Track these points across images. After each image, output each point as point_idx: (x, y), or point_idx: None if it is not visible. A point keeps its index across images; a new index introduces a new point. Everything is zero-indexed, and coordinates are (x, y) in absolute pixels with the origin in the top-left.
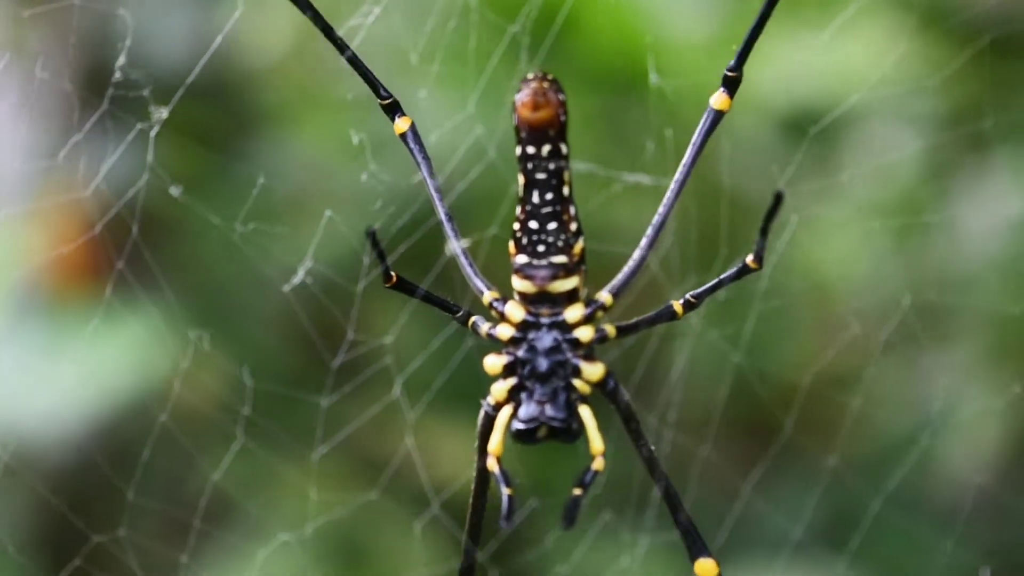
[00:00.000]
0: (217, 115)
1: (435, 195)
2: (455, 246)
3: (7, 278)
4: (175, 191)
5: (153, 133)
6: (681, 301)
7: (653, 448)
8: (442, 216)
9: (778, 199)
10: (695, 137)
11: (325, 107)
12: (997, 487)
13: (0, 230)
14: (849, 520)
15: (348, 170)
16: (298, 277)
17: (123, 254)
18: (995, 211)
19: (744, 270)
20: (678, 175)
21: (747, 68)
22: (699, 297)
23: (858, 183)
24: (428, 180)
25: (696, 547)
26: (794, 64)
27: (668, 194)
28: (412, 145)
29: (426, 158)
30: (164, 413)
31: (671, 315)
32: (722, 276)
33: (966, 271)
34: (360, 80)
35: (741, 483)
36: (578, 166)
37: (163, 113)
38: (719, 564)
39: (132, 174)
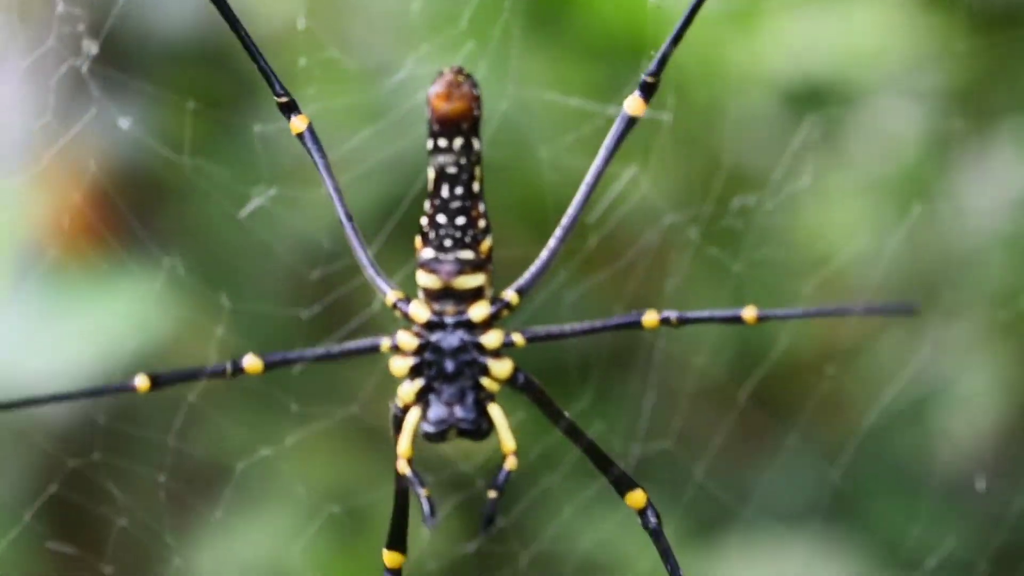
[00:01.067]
0: (222, 80)
1: (335, 195)
2: (355, 243)
3: (10, 240)
4: (123, 123)
5: (84, 68)
6: (663, 315)
7: (568, 414)
8: (342, 216)
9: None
10: (607, 140)
11: (333, 74)
12: (998, 460)
13: (1, 193)
14: (851, 493)
15: (355, 136)
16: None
17: (123, 217)
18: (1000, 186)
19: (737, 319)
20: (588, 177)
21: (754, 40)
22: (684, 320)
23: (863, 157)
24: (327, 180)
25: (622, 484)
26: (800, 38)
27: (577, 195)
28: (309, 145)
29: (323, 157)
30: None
31: (635, 324)
32: (715, 313)
33: (969, 246)
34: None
35: (745, 456)
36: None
37: (93, 48)
38: (645, 491)
39: (136, 136)
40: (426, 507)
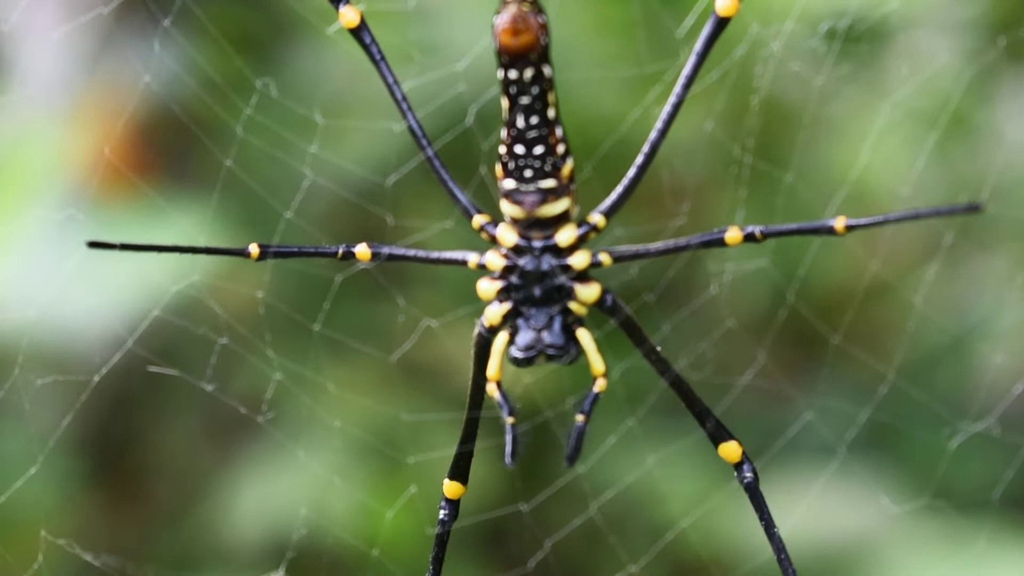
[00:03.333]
0: (258, 20)
1: (401, 104)
2: (435, 164)
3: (52, 178)
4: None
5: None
6: (746, 230)
7: (659, 349)
8: (412, 125)
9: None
10: (697, 46)
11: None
12: None
13: (44, 130)
14: (889, 437)
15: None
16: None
17: (165, 154)
18: None
19: (826, 230)
20: (677, 88)
21: None
22: (768, 234)
23: (901, 91)
24: (388, 77)
25: (718, 433)
26: None
27: (666, 108)
28: (366, 42)
29: (381, 55)
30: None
31: (719, 242)
32: (802, 225)
33: (1007, 178)
34: None
35: (788, 391)
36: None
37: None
38: (741, 444)
39: (175, 75)
40: (510, 440)
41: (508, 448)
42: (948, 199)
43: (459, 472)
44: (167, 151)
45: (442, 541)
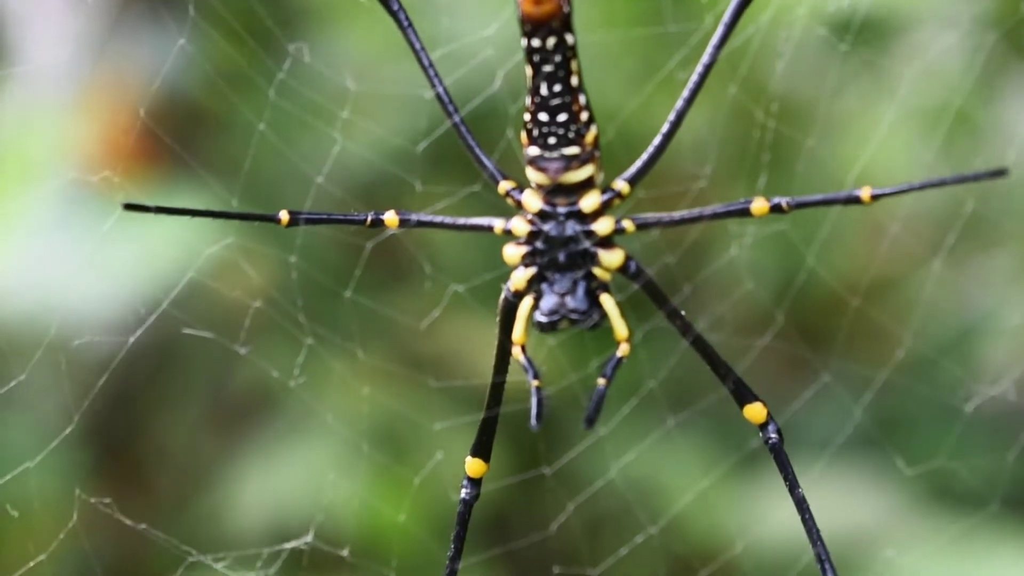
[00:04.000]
0: (265, 10)
1: (429, 71)
2: (461, 130)
3: (58, 165)
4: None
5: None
6: (772, 201)
7: (684, 314)
8: (441, 93)
9: None
10: (725, 17)
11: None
12: None
13: (51, 118)
14: (903, 411)
15: (395, 67)
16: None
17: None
18: None
19: (853, 200)
20: (704, 58)
21: None
22: (796, 205)
23: (907, 88)
24: (415, 43)
25: (743, 394)
26: None
27: (693, 78)
28: (401, 17)
29: (412, 27)
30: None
31: (744, 212)
32: (829, 196)
33: (1012, 177)
34: None
35: (789, 385)
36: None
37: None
38: (766, 405)
39: (180, 64)
40: (535, 402)
41: (534, 410)
42: (953, 196)
43: (482, 448)
44: (185, 128)
45: (464, 520)
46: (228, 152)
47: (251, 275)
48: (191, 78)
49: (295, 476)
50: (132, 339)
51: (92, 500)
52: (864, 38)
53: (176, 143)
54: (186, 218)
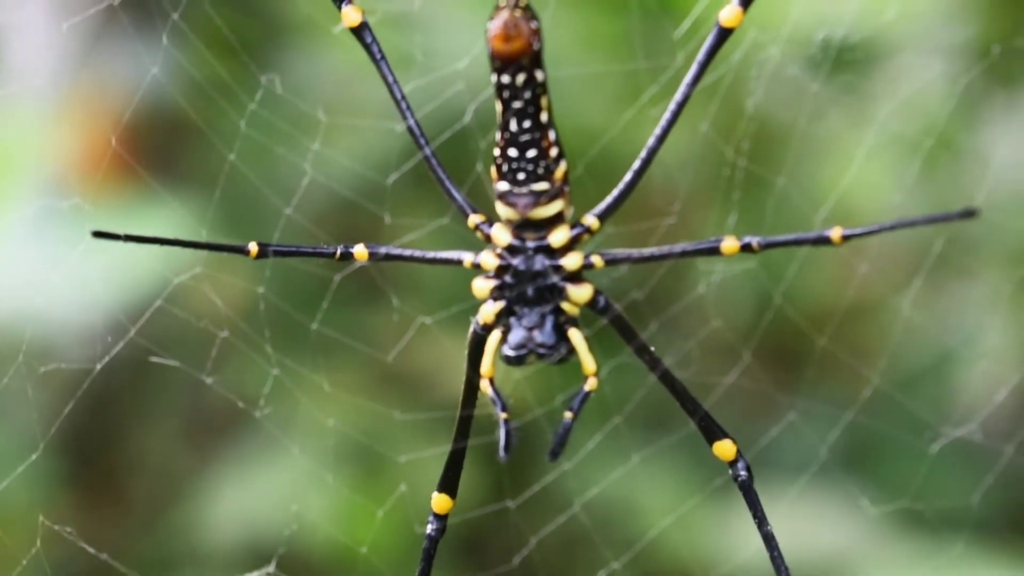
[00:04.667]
0: (247, 24)
1: (401, 103)
2: (432, 163)
3: (36, 173)
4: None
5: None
6: (743, 240)
7: (654, 349)
8: (411, 125)
9: None
10: (699, 56)
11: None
12: (1017, 416)
13: (30, 127)
14: (870, 447)
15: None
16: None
17: (148, 154)
18: None
19: (823, 240)
20: (677, 96)
21: None
22: (766, 245)
23: (888, 113)
24: (389, 77)
25: (711, 431)
26: None
27: (666, 115)
28: (367, 41)
29: (383, 56)
30: (185, 312)
31: (714, 251)
32: (800, 236)
33: (992, 202)
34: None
35: (766, 408)
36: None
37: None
38: (735, 442)
39: (159, 79)
40: (503, 435)
41: (502, 442)
42: (932, 224)
43: (448, 483)
44: (158, 149)
45: (429, 556)
46: (205, 166)
47: (223, 293)
48: (170, 92)
49: (268, 491)
50: (99, 366)
51: (55, 527)
52: (842, 66)
53: (154, 156)
54: (165, 227)
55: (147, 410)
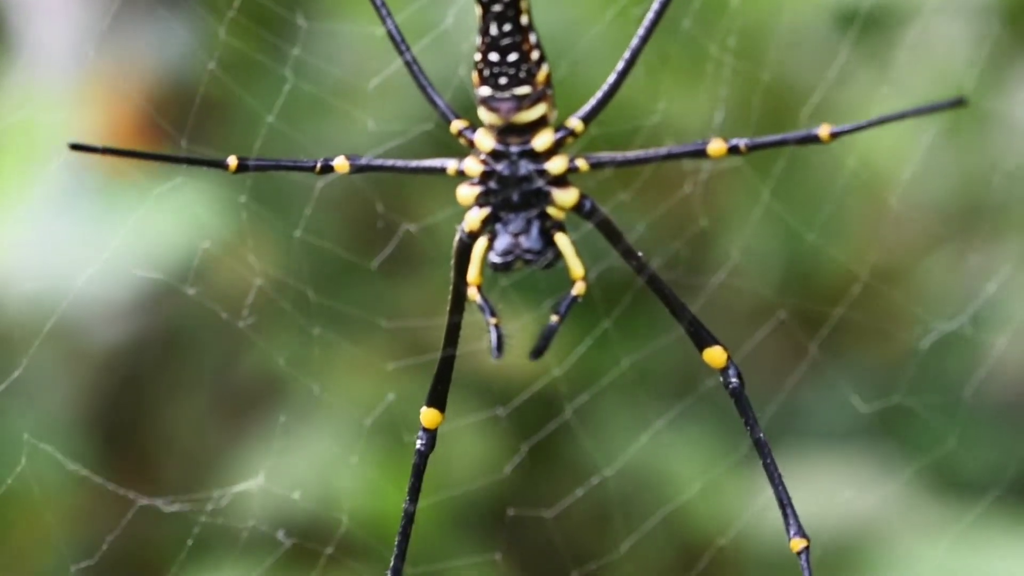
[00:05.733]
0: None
1: (388, 20)
2: (414, 70)
3: (61, 152)
4: (212, 65)
5: None
6: (730, 143)
7: (642, 255)
8: (392, 31)
9: None
10: None
11: None
12: None
13: (54, 105)
14: (896, 413)
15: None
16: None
17: (178, 130)
18: None
19: (811, 139)
20: None
21: None
22: (753, 147)
23: (912, 77)
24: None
25: (702, 337)
26: None
27: (648, 15)
28: None
29: None
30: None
31: (700, 153)
32: (787, 136)
33: (1017, 165)
34: None
35: (790, 373)
36: None
37: None
38: (726, 349)
39: (185, 52)
40: (494, 337)
41: (494, 343)
42: (958, 185)
43: (437, 397)
44: (182, 125)
45: (419, 471)
46: (229, 140)
47: (256, 261)
48: (194, 66)
49: (302, 463)
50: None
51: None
52: (866, 31)
53: (179, 131)
54: (192, 203)
55: (179, 383)
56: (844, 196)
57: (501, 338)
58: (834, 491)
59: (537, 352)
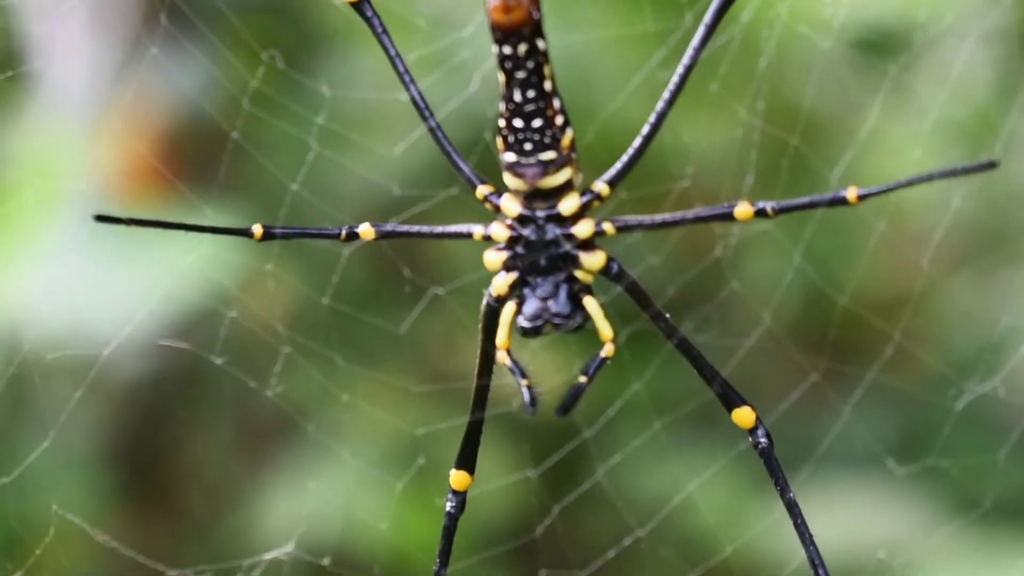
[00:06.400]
0: (285, 31)
1: (405, 78)
2: (438, 135)
3: (79, 185)
4: (245, 103)
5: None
6: (757, 206)
7: (669, 316)
8: (415, 97)
9: None
10: (706, 17)
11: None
12: None
13: (72, 139)
14: (918, 436)
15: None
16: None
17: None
18: None
19: (839, 201)
20: (685, 59)
21: None
22: (780, 210)
23: (931, 102)
24: (395, 59)
25: (731, 399)
26: None
27: (674, 78)
28: (369, 15)
29: (386, 32)
30: (232, 320)
31: (727, 216)
32: (815, 199)
33: None
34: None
35: (809, 397)
36: None
37: None
38: (754, 409)
39: (200, 85)
40: (527, 395)
41: (527, 399)
42: (979, 208)
43: (466, 459)
44: (197, 160)
45: (449, 534)
46: (243, 174)
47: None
48: (210, 100)
49: (322, 496)
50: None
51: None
52: (883, 57)
53: (193, 168)
54: (211, 240)
55: (197, 421)
56: (872, 259)
57: (534, 395)
58: (860, 515)
59: (564, 409)
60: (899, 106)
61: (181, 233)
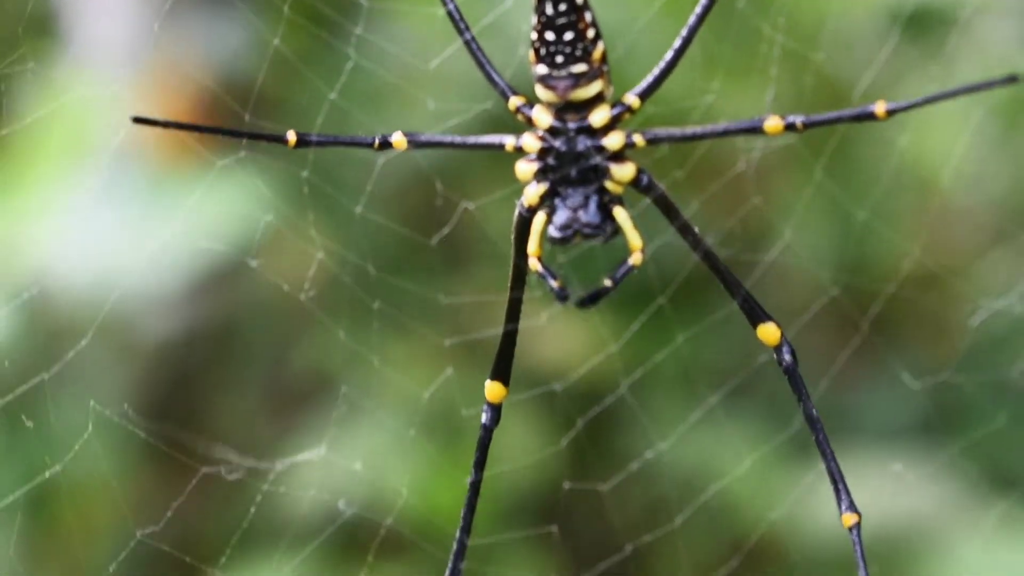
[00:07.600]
0: None
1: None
2: (467, 37)
3: (112, 140)
4: (276, 41)
5: None
6: (787, 119)
7: (697, 230)
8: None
9: None
10: None
11: None
12: None
13: (106, 99)
14: (953, 413)
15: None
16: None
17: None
18: None
19: (867, 115)
20: None
21: None
22: (809, 124)
23: (968, 77)
24: None
25: (755, 314)
26: None
27: None
28: None
29: None
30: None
31: (756, 129)
32: (843, 113)
33: None
34: None
35: (848, 374)
36: None
37: None
38: (779, 325)
39: (237, 44)
40: (558, 291)
41: (558, 292)
42: (1011, 184)
43: (501, 371)
44: (234, 120)
45: (484, 445)
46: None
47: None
48: (249, 55)
49: (352, 458)
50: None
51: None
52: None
53: (238, 116)
54: (244, 193)
55: (227, 382)
56: (896, 177)
57: (564, 291)
58: (881, 486)
59: (585, 301)
60: (929, 75)
61: (213, 192)
